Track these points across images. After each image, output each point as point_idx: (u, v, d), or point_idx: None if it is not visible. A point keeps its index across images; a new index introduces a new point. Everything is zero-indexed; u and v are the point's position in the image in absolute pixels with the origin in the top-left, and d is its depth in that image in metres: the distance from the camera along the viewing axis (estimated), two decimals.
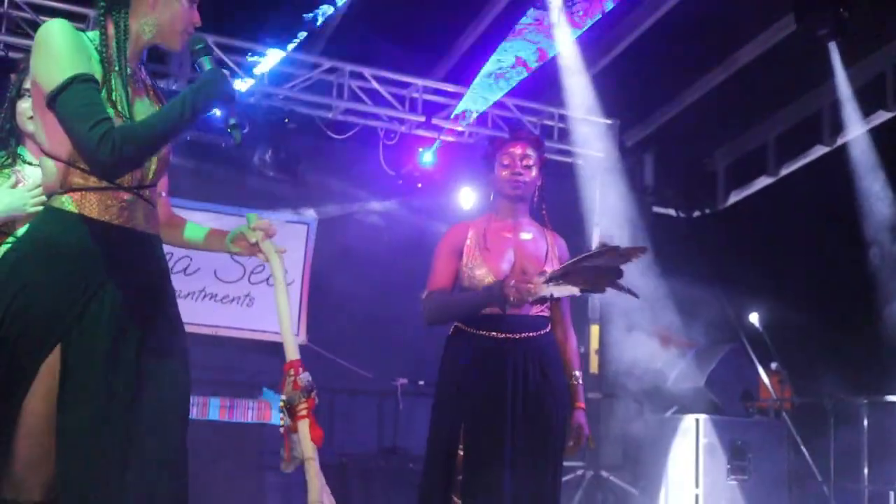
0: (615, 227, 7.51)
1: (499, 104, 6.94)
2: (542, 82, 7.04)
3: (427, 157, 6.81)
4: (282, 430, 2.07)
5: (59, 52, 1.97)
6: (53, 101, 1.95)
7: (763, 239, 7.72)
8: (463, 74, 6.83)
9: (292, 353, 2.10)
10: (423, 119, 6.71)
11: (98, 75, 2.02)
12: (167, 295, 2.16)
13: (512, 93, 6.90)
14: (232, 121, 2.12)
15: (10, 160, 2.74)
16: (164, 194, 2.32)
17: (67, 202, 2.03)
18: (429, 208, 7.28)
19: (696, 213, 8.60)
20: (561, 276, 2.86)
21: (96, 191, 2.04)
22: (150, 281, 2.11)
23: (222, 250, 2.37)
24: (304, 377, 2.05)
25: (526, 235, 3.25)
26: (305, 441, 2.01)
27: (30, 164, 2.74)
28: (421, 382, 6.93)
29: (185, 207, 6.73)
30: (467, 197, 7.11)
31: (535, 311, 3.11)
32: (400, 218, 7.22)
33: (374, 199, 7.28)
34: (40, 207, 2.26)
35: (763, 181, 8.05)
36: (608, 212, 7.43)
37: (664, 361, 6.46)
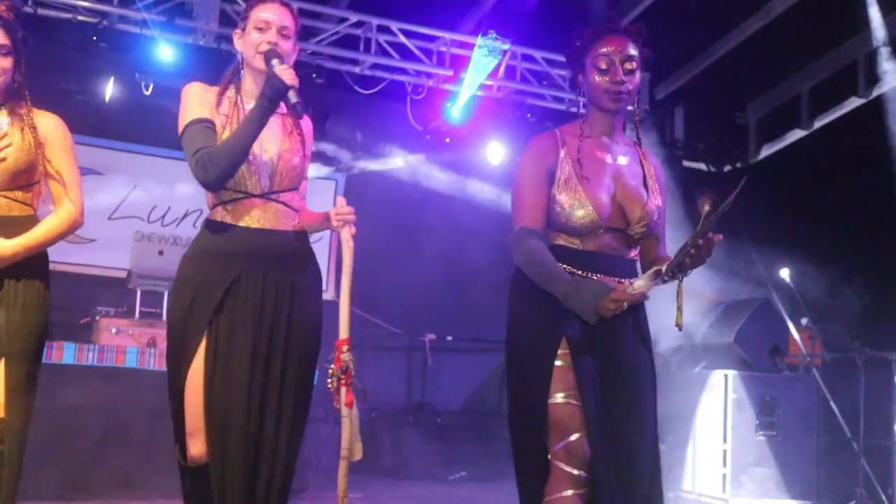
0: None
1: (527, 57, 6.86)
2: (572, 34, 6.94)
3: (454, 112, 6.76)
4: (330, 388, 2.57)
5: (183, 106, 2.65)
6: (180, 143, 2.61)
7: (795, 193, 7.62)
8: (492, 27, 6.75)
9: (344, 332, 2.61)
10: (450, 73, 6.66)
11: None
12: (302, 284, 2.68)
13: (541, 45, 6.82)
14: (293, 100, 2.57)
15: None
16: (304, 201, 2.79)
17: (214, 214, 2.65)
18: (456, 163, 7.26)
19: (727, 168, 8.50)
20: (676, 268, 2.36)
21: (233, 202, 2.62)
22: (284, 272, 2.64)
23: (323, 228, 2.80)
24: (345, 357, 2.57)
25: (623, 159, 2.63)
26: (343, 402, 2.56)
27: None
28: (449, 338, 6.98)
29: None
30: (495, 151, 7.07)
31: (633, 253, 2.64)
32: (427, 173, 7.21)
33: (401, 155, 7.27)
34: None
35: (796, 134, 7.93)
36: None
37: (693, 317, 6.43)
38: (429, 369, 6.80)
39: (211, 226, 2.65)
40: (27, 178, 2.73)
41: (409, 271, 6.66)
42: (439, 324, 6.83)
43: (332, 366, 2.56)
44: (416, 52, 6.61)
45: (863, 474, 6.17)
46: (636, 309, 2.56)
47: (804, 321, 6.50)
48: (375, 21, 6.44)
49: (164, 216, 6.69)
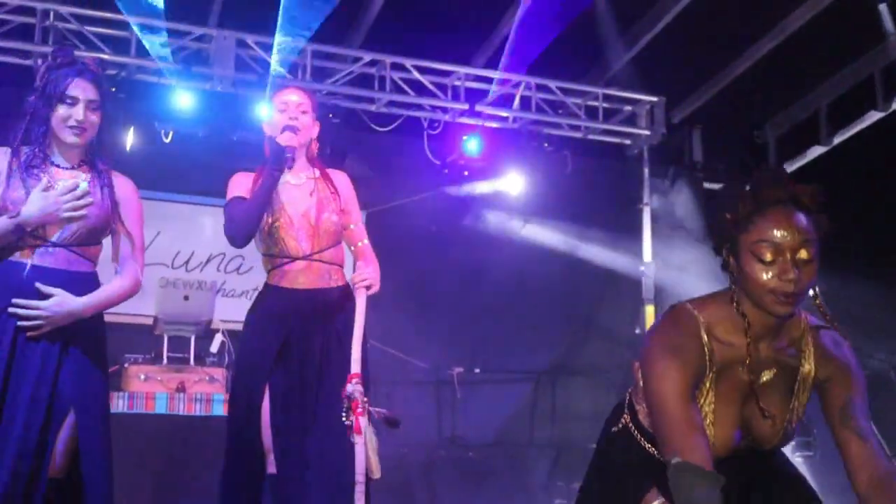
0: (667, 205, 7.44)
1: (542, 87, 6.89)
2: (585, 62, 6.98)
3: (472, 145, 6.78)
4: (346, 419, 2.76)
5: (228, 190, 3.14)
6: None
7: None
8: (504, 60, 6.79)
9: (355, 368, 2.83)
10: (466, 107, 6.69)
11: None
12: (347, 331, 2.94)
13: (554, 74, 6.84)
14: (286, 155, 3.08)
15: (40, 162, 2.72)
16: (364, 244, 3.26)
17: (269, 277, 3.09)
18: (476, 196, 7.26)
19: (748, 188, 8.45)
20: None
21: (280, 267, 3.03)
22: (329, 323, 3.02)
23: None
24: (350, 388, 2.74)
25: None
26: (361, 429, 2.75)
27: (57, 166, 2.75)
28: (476, 370, 6.95)
29: None
30: (514, 182, 7.08)
31: None
32: (448, 207, 7.22)
33: (420, 190, 7.29)
34: (74, 213, 2.62)
35: (816, 151, 7.88)
36: (657, 190, 7.34)
37: None
38: (458, 403, 6.76)
39: (266, 289, 3.12)
40: (99, 235, 2.79)
41: (434, 305, 6.65)
42: (466, 356, 6.80)
43: (343, 399, 2.78)
44: (431, 87, 6.65)
45: None
46: None
47: None
48: (389, 59, 6.49)
49: (188, 261, 6.73)
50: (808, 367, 2.10)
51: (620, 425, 2.35)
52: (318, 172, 3.19)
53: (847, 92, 7.52)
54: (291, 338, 2.99)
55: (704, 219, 2.22)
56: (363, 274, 3.05)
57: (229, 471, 2.97)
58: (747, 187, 2.03)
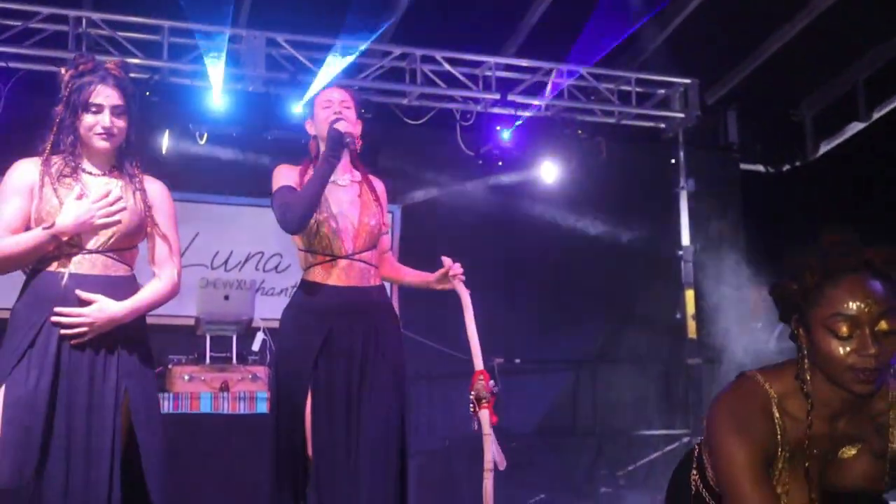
0: (704, 187, 7.35)
1: (572, 73, 6.84)
2: (617, 48, 6.91)
3: (505, 135, 6.75)
4: (472, 412, 2.95)
5: (274, 180, 3.15)
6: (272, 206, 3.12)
7: (858, 188, 7.44)
8: (535, 47, 6.75)
9: (479, 365, 3.00)
10: (498, 97, 6.66)
11: None
12: (384, 328, 3.07)
13: (585, 61, 6.79)
14: (346, 140, 3.07)
15: (71, 171, 2.71)
16: (388, 253, 3.33)
17: (308, 274, 3.08)
18: (511, 186, 7.24)
19: (786, 167, 8.34)
20: None
21: (321, 264, 3.05)
22: (368, 320, 3.03)
23: (429, 288, 3.31)
24: (492, 384, 2.97)
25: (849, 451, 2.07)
26: (486, 423, 2.93)
27: (89, 173, 2.76)
28: (517, 361, 6.93)
29: (266, 206, 6.85)
30: (549, 171, 7.04)
31: None
32: (483, 198, 7.20)
33: (455, 182, 7.27)
34: (108, 219, 2.61)
35: (854, 127, 7.75)
36: (695, 174, 7.26)
37: (763, 320, 6.30)
38: (499, 393, 6.75)
39: (305, 285, 3.11)
40: (134, 240, 2.80)
41: (472, 296, 6.63)
42: (506, 347, 6.78)
43: (473, 392, 2.96)
44: (462, 78, 6.63)
45: None
46: None
47: None
48: (419, 52, 6.48)
49: (226, 261, 6.78)
50: None
51: (692, 490, 2.10)
52: (360, 176, 3.24)
53: (885, 66, 7.39)
54: (334, 333, 3.00)
55: (769, 292, 1.74)
56: (455, 268, 3.19)
57: (277, 471, 2.98)
58: (814, 254, 1.85)
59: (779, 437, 1.86)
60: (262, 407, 4.75)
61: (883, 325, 1.74)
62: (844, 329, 1.75)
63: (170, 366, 4.93)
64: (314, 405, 2.94)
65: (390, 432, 2.97)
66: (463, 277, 3.21)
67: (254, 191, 6.89)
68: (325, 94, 3.24)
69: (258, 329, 5.20)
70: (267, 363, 5.06)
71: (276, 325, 5.73)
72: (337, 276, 3.05)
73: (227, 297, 5.12)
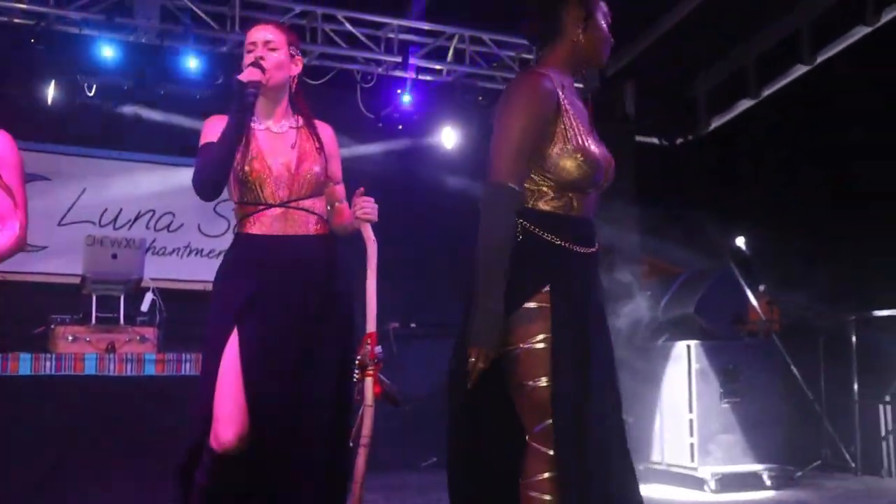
0: None
1: (475, 39, 6.84)
2: (518, 16, 6.92)
3: (406, 100, 6.71)
4: (356, 379, 2.68)
5: (201, 135, 2.83)
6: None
7: (747, 162, 7.71)
8: (439, 12, 6.71)
9: (371, 326, 2.71)
10: (399, 60, 6.61)
11: None
12: (328, 284, 2.80)
13: (488, 27, 6.80)
14: (248, 92, 2.71)
15: None
16: (342, 204, 2.98)
17: (240, 226, 2.82)
18: (411, 149, 7.22)
19: (679, 140, 8.57)
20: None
21: (253, 214, 2.79)
22: (309, 274, 2.77)
23: (352, 230, 2.93)
24: (379, 349, 2.67)
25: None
26: (368, 393, 2.66)
27: None
28: (413, 325, 6.96)
29: (158, 162, 6.66)
30: (449, 136, 7.05)
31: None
32: (382, 161, 7.16)
33: (354, 144, 7.20)
34: None
35: (744, 104, 8.01)
36: None
37: (653, 290, 6.48)
38: (394, 357, 6.77)
39: (237, 238, 2.85)
40: None
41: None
42: (403, 311, 6.80)
43: (359, 357, 2.69)
44: (364, 39, 6.55)
45: (826, 434, 6.29)
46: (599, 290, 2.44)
47: (762, 288, 6.58)
48: (320, 10, 6.36)
49: (116, 219, 6.57)
50: None
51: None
52: (301, 121, 2.94)
53: (774, 46, 7.64)
54: (266, 285, 2.72)
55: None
56: (361, 203, 2.84)
57: (190, 434, 2.73)
58: None
59: (560, 101, 2.32)
60: (151, 369, 4.64)
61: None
62: (605, 21, 2.45)
63: (52, 326, 4.76)
64: (244, 363, 2.63)
65: (326, 410, 2.73)
66: (366, 216, 2.85)
67: (145, 146, 6.69)
68: (250, 35, 2.90)
69: (147, 289, 5.06)
70: (156, 324, 4.94)
71: (166, 285, 5.64)
72: (269, 226, 2.77)
73: (115, 256, 4.95)
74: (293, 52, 2.92)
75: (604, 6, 2.46)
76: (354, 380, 2.68)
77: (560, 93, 2.34)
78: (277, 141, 2.83)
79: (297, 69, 2.94)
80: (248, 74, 2.74)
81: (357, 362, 2.68)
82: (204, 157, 2.75)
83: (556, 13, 2.41)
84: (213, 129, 2.80)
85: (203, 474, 2.64)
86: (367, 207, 2.86)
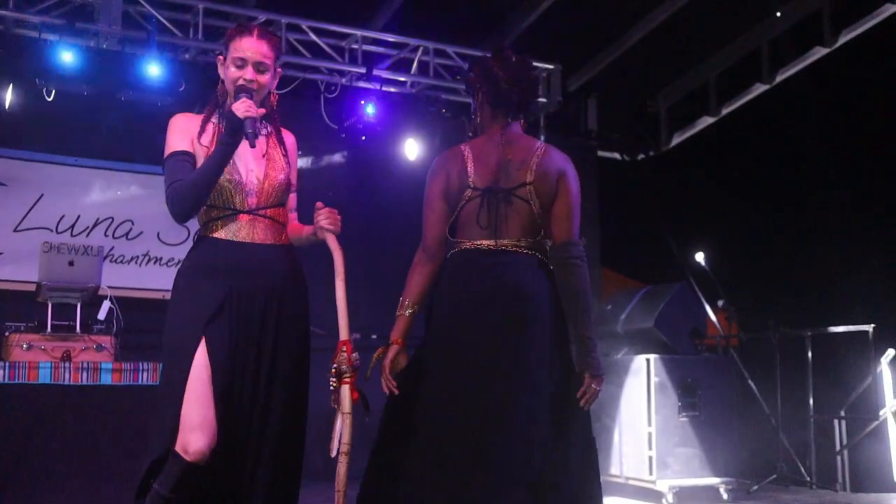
0: None
1: (439, 52, 6.86)
2: (482, 29, 6.97)
3: (370, 111, 6.71)
4: (332, 388, 2.67)
5: (167, 138, 2.77)
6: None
7: (706, 179, 7.81)
8: (403, 24, 6.72)
9: (344, 334, 2.72)
10: (363, 71, 6.60)
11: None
12: (289, 293, 2.82)
13: (452, 40, 6.82)
14: (248, 130, 2.66)
15: None
16: (294, 213, 2.98)
17: (205, 230, 2.77)
18: (374, 161, 7.20)
19: (641, 156, 8.65)
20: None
21: (222, 219, 2.76)
22: (271, 282, 2.77)
23: (311, 242, 2.94)
24: (355, 356, 2.70)
25: None
26: (346, 400, 2.65)
27: None
28: (374, 336, 6.93)
29: (118, 169, 6.59)
30: (412, 148, 7.05)
31: None
32: (345, 172, 7.14)
33: (317, 154, 7.18)
34: None
35: (705, 121, 8.12)
36: None
37: (613, 303, 6.52)
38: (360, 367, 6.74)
39: (201, 241, 2.80)
40: None
41: (328, 270, 6.57)
42: (364, 322, 6.76)
43: (335, 364, 2.69)
44: (328, 49, 6.54)
45: (782, 449, 6.37)
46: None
47: (720, 303, 6.66)
48: (285, 20, 6.34)
49: (73, 226, 6.48)
50: None
51: None
52: (270, 128, 2.93)
53: (735, 64, 7.76)
54: (233, 293, 2.70)
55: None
56: (325, 214, 2.87)
57: (153, 445, 2.67)
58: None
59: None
60: (107, 378, 4.57)
61: None
62: None
63: (7, 333, 4.68)
64: (213, 371, 2.60)
65: (287, 416, 2.78)
66: (330, 227, 2.87)
67: (105, 153, 6.60)
68: (240, 46, 2.77)
69: (105, 297, 4.99)
70: (113, 333, 4.87)
71: (123, 294, 5.57)
72: (235, 232, 2.76)
73: (71, 263, 4.88)
74: (278, 65, 2.90)
75: None
76: (331, 388, 2.68)
77: None
78: (250, 149, 2.78)
79: (276, 81, 2.93)
80: (244, 110, 2.66)
81: (333, 370, 2.68)
82: (178, 173, 2.69)
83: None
84: (179, 131, 2.77)
85: (164, 484, 2.59)
86: (332, 218, 2.88)
